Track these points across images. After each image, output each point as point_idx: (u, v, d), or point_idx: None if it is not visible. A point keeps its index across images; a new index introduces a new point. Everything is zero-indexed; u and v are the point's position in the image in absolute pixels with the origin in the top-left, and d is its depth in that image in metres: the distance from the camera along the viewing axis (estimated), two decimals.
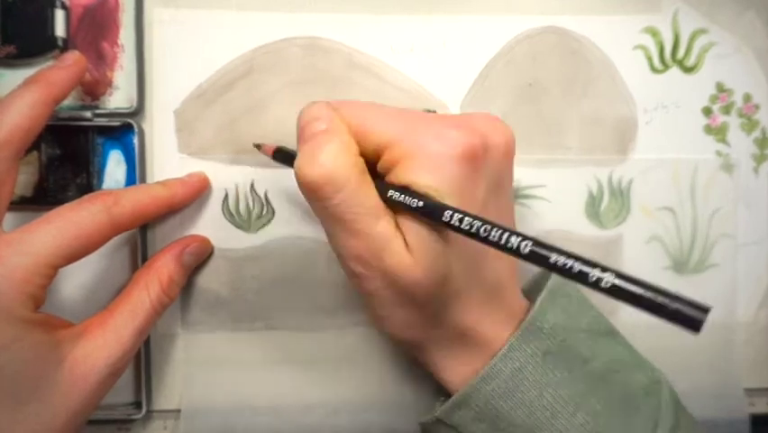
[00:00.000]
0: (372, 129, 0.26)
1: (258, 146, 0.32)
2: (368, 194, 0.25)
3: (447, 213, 0.24)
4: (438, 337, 0.28)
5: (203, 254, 0.33)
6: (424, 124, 0.26)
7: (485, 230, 0.23)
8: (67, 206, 0.28)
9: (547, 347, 0.27)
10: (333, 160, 0.24)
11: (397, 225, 0.25)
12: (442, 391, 0.30)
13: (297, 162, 0.25)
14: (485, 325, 0.27)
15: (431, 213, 0.24)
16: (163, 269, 0.31)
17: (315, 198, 0.25)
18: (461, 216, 0.23)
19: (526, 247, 0.22)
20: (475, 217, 0.23)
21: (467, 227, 0.23)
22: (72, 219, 0.27)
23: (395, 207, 0.25)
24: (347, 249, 0.26)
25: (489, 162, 0.26)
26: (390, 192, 0.25)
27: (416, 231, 0.25)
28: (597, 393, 0.27)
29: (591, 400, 0.26)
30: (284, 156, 0.30)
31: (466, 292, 0.27)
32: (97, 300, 0.33)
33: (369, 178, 0.25)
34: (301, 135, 0.26)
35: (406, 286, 0.25)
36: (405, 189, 0.25)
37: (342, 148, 0.25)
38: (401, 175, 0.25)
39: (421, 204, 0.24)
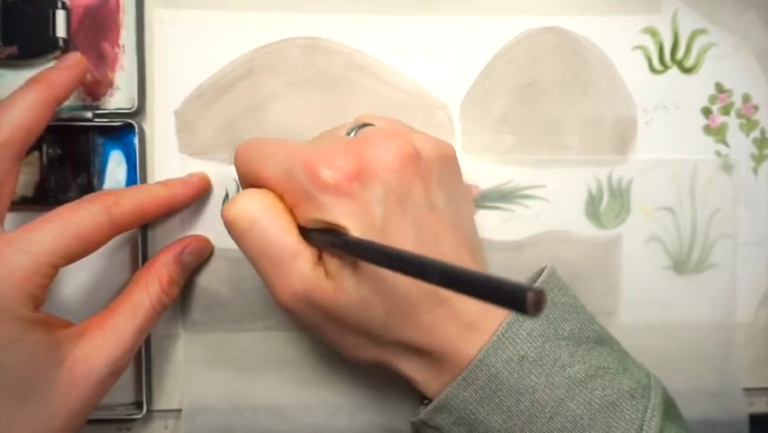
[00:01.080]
0: (257, 177, 0.27)
1: None
2: (284, 230, 0.26)
3: (343, 244, 0.25)
4: (399, 353, 0.28)
5: (203, 254, 0.33)
6: (296, 159, 0.26)
7: (381, 259, 0.23)
8: (67, 206, 0.28)
9: (524, 353, 0.27)
10: (248, 200, 0.27)
11: (319, 258, 0.27)
12: None
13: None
14: (442, 337, 0.27)
15: (331, 246, 0.26)
16: (163, 269, 0.31)
17: (235, 234, 0.27)
18: (358, 244, 0.24)
19: (432, 276, 0.20)
20: (370, 246, 0.24)
21: (366, 255, 0.24)
22: (72, 219, 0.27)
23: (316, 243, 0.27)
24: (278, 286, 0.27)
25: (380, 181, 0.26)
26: (301, 229, 0.27)
27: (331, 260, 0.26)
28: (576, 398, 0.27)
29: (570, 404, 0.26)
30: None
31: (402, 309, 0.26)
32: (97, 300, 0.33)
33: (288, 218, 0.27)
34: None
35: (335, 312, 0.26)
36: (307, 229, 0.26)
37: (258, 193, 0.27)
38: (299, 216, 0.26)
39: (325, 239, 0.26)
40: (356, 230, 0.25)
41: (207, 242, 0.33)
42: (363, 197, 0.25)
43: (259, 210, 0.26)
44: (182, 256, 0.32)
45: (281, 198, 0.27)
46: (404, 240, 0.26)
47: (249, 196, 0.27)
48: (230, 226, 0.27)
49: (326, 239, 0.26)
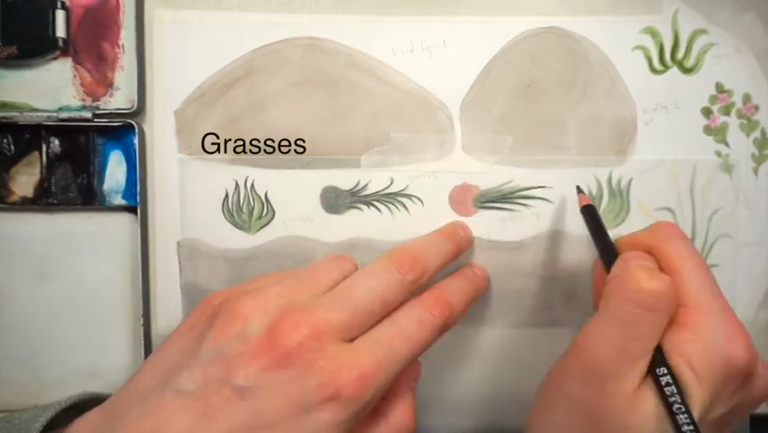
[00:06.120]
0: (686, 284, 0.27)
1: (578, 190, 0.34)
2: (662, 330, 0.26)
3: (682, 417, 0.25)
4: None
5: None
6: (724, 312, 0.26)
7: None
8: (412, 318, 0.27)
9: None
10: (671, 285, 0.26)
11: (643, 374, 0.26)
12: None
13: (635, 269, 0.26)
14: None
15: (670, 392, 0.25)
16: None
17: (643, 302, 0.26)
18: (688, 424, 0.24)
19: None
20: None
21: None
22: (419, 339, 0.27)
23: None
24: (603, 351, 0.26)
25: (742, 390, 0.26)
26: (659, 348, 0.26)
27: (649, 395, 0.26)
28: None
29: None
30: (591, 215, 0.32)
31: None
32: (99, 303, 0.33)
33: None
34: (627, 260, 0.28)
35: (615, 424, 0.26)
36: (661, 355, 0.26)
37: (674, 286, 0.26)
38: (673, 335, 0.26)
39: (668, 387, 0.25)
40: (701, 399, 0.25)
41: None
42: (732, 389, 0.26)
43: (674, 300, 0.26)
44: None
45: None
46: None
47: (666, 282, 0.26)
48: (661, 301, 0.26)
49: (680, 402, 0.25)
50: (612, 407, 0.25)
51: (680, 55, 0.35)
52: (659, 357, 0.26)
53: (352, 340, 0.26)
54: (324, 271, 0.28)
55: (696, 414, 0.25)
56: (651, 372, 0.26)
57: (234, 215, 0.34)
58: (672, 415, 0.25)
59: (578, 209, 0.33)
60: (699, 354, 0.25)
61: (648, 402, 0.25)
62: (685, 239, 0.29)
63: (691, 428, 0.24)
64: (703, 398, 0.25)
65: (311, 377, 0.24)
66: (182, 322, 0.28)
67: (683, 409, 0.25)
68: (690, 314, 0.26)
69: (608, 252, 0.30)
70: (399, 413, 0.27)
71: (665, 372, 0.25)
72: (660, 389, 0.25)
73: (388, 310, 0.27)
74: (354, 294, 0.26)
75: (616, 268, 0.28)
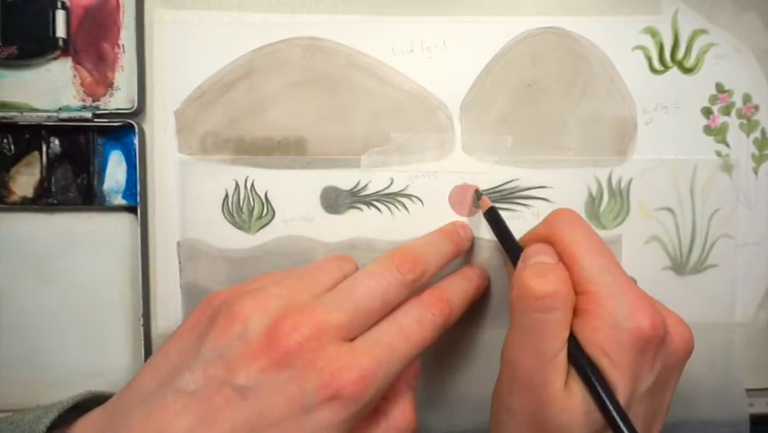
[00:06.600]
0: (583, 269, 0.27)
1: (478, 195, 0.34)
2: (568, 324, 0.27)
3: (608, 403, 0.25)
4: None
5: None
6: (623, 288, 0.27)
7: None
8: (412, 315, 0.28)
9: None
10: (562, 281, 0.27)
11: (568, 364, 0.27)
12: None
13: (524, 273, 0.27)
14: None
15: (592, 385, 0.26)
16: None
17: (539, 307, 0.26)
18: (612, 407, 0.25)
19: None
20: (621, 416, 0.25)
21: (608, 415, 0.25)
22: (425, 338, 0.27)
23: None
24: (523, 361, 0.27)
25: (661, 354, 0.27)
26: (572, 339, 0.27)
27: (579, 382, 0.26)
28: None
29: None
30: (493, 217, 0.32)
31: None
32: (98, 303, 0.33)
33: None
34: (524, 259, 0.29)
35: (552, 425, 0.26)
36: (578, 345, 0.27)
37: (567, 278, 0.27)
38: (580, 324, 0.27)
39: (588, 378, 0.26)
40: (621, 381, 0.26)
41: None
42: (648, 360, 0.27)
43: (569, 294, 0.27)
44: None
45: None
46: None
47: (563, 277, 0.27)
48: (543, 299, 0.26)
49: (601, 387, 0.26)
50: (548, 411, 0.26)
51: (680, 55, 0.35)
52: (574, 351, 0.27)
53: (352, 340, 0.26)
54: (325, 270, 0.28)
55: (621, 396, 0.25)
56: (572, 365, 0.27)
57: (234, 215, 0.34)
58: (600, 403, 0.25)
59: (578, 209, 0.33)
60: (608, 339, 0.26)
61: (576, 397, 0.26)
62: (578, 222, 0.29)
63: (617, 411, 0.25)
64: (623, 380, 0.26)
65: (311, 377, 0.24)
66: (182, 323, 0.28)
67: (607, 396, 0.25)
68: (591, 300, 0.27)
69: (513, 251, 0.30)
70: (400, 412, 0.27)
71: (583, 364, 0.26)
72: (583, 381, 0.26)
73: (389, 310, 0.27)
74: (355, 294, 0.26)
75: (516, 271, 0.28)
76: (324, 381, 0.24)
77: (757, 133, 0.36)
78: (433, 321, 0.28)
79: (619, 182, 0.35)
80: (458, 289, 0.31)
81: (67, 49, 0.33)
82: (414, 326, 0.27)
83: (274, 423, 0.24)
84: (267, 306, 0.25)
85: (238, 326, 0.25)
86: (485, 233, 0.34)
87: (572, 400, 0.26)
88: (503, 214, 0.34)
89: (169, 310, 0.34)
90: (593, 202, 0.35)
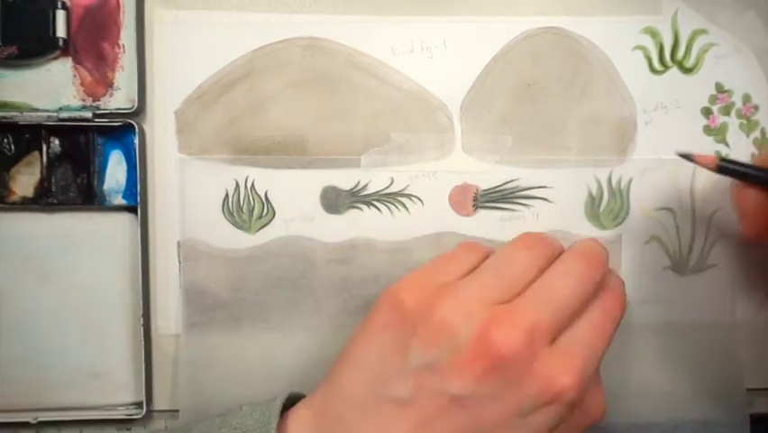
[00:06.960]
0: None
1: (688, 156, 0.31)
2: None
3: None
4: None
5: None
6: None
7: None
8: None
9: None
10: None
11: None
12: None
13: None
14: None
15: None
16: None
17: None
18: None
19: None
20: None
21: None
22: None
23: None
24: None
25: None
26: None
27: None
28: None
29: None
30: (731, 169, 0.30)
31: None
32: (98, 303, 0.33)
33: None
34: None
35: None
36: None
37: None
38: None
39: None
40: None
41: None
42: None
43: None
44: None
45: None
46: None
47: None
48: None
49: None
50: None
51: (680, 55, 0.35)
52: None
53: (554, 340, 0.26)
54: (516, 263, 0.28)
55: None
56: None
57: (234, 215, 0.34)
58: None
59: (578, 209, 0.32)
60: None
61: None
62: None
63: None
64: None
65: (528, 383, 0.24)
66: (368, 318, 0.27)
67: None
68: None
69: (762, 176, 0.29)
70: (593, 401, 0.27)
71: None
72: None
73: (584, 308, 0.27)
74: (557, 295, 0.26)
75: None
76: (542, 386, 0.24)
77: (757, 133, 0.36)
78: (614, 315, 0.28)
79: (619, 182, 0.35)
80: (617, 282, 0.30)
81: (67, 49, 0.33)
82: (603, 321, 0.27)
83: (490, 428, 0.24)
84: (470, 311, 0.25)
85: (445, 335, 0.25)
86: (486, 233, 0.34)
87: None
88: (503, 213, 0.34)
89: (169, 310, 0.34)
90: (593, 202, 0.35)
